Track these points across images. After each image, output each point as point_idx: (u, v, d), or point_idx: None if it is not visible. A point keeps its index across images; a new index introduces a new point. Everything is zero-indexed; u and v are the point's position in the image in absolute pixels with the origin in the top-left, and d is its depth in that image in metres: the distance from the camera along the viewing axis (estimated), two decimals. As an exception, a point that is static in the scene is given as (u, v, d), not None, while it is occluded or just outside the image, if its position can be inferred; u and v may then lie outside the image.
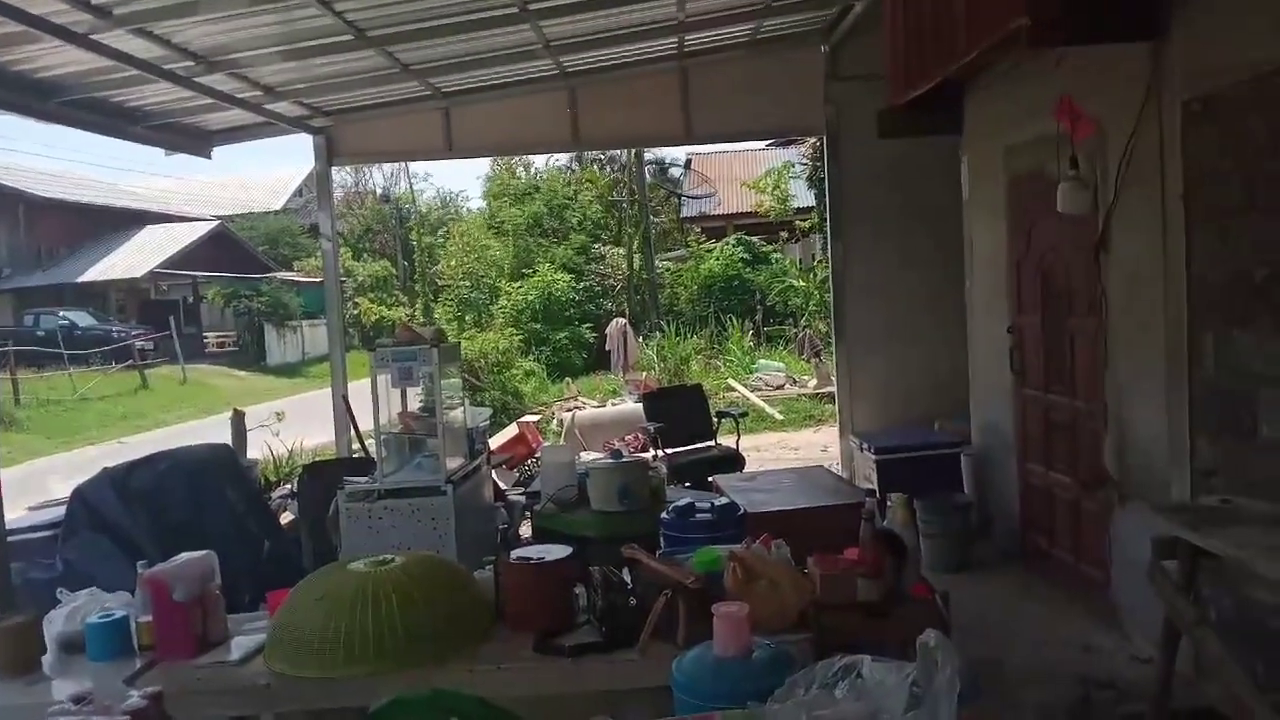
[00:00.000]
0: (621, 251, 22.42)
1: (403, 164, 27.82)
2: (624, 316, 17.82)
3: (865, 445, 6.66)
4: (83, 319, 25.18)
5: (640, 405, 8.69)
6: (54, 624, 2.96)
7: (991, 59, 4.81)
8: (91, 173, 36.44)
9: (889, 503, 3.36)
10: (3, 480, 4.44)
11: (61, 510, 5.07)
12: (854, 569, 2.84)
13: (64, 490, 5.61)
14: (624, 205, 23.51)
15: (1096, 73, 4.49)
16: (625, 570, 3.01)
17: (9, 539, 4.50)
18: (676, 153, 26.70)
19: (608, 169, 25.00)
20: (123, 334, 24.54)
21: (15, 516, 5.25)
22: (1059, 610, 4.91)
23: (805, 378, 14.56)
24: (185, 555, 2.96)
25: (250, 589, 3.76)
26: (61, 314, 24.74)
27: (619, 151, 23.26)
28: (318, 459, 7.95)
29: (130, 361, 22.35)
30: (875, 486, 6.07)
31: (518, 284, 20.81)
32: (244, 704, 2.71)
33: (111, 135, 6.75)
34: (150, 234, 29.25)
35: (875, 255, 7.81)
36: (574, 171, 25.91)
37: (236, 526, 4.94)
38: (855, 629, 2.69)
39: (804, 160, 18.73)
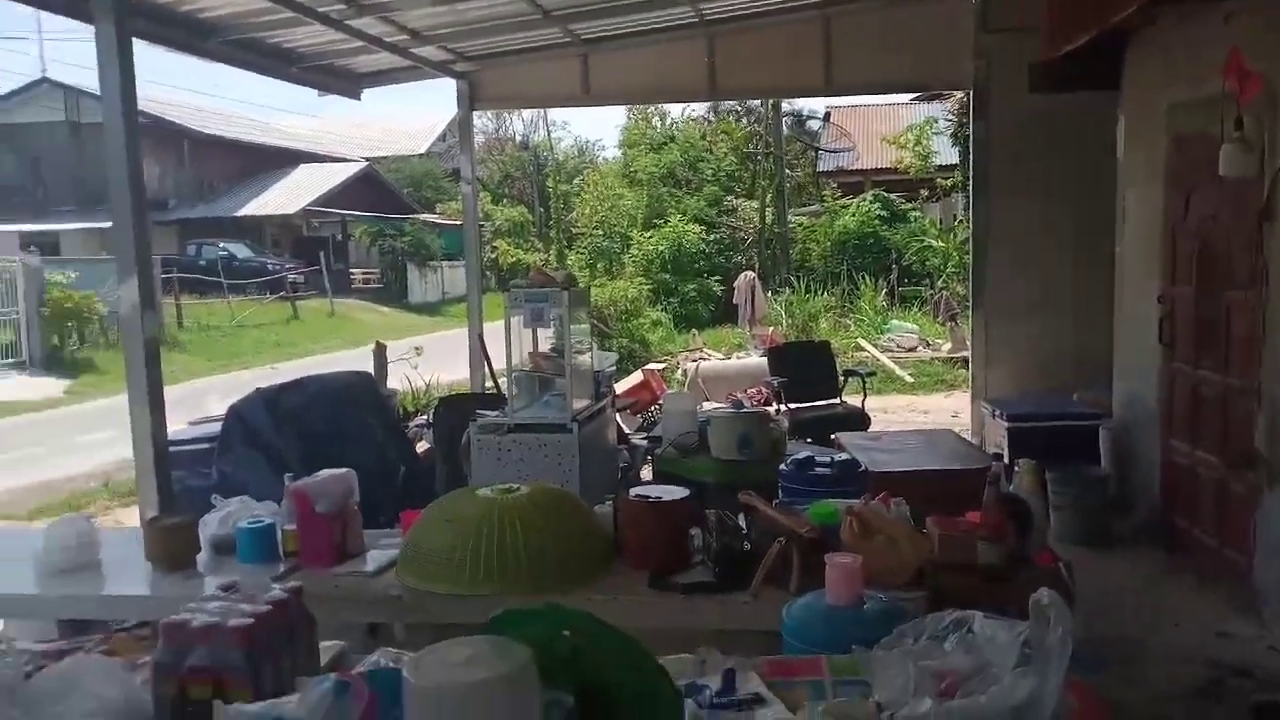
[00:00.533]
0: (754, 204, 22.16)
1: (542, 112, 28.09)
2: (753, 270, 17.68)
3: (997, 412, 6.48)
4: (241, 251, 26.55)
5: (765, 360, 8.66)
6: (208, 527, 3.22)
7: (1155, 12, 4.53)
8: (247, 111, 38.17)
9: (1017, 469, 3.29)
10: (166, 397, 4.77)
11: (218, 426, 5.45)
12: (974, 531, 2.80)
13: (220, 408, 6.01)
14: (759, 158, 23.19)
15: (1267, 30, 4.17)
16: (741, 516, 3.05)
17: (170, 449, 4.85)
18: (815, 105, 26.10)
19: (744, 121, 24.66)
20: (277, 267, 25.79)
21: (176, 430, 5.66)
22: (1196, 593, 4.70)
23: (939, 341, 14.18)
24: (328, 471, 3.14)
25: (387, 511, 3.96)
26: (221, 245, 26.13)
27: (756, 103, 22.89)
28: (453, 393, 8.25)
29: (283, 293, 23.53)
30: (1006, 455, 5.91)
31: (649, 234, 20.88)
32: (377, 612, 2.88)
33: (270, 75, 7.06)
34: (303, 172, 30.53)
35: (1020, 216, 7.50)
36: (710, 123, 25.64)
37: (376, 451, 5.21)
38: (973, 591, 2.66)
39: (949, 116, 18.04)
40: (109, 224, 4.52)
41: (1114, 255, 6.13)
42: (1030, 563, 2.82)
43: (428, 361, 9.56)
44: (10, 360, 16.18)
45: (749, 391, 9.49)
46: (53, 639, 2.87)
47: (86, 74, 26.16)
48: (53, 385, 15.34)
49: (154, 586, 2.99)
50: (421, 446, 6.23)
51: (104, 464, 9.09)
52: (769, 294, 17.13)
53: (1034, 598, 1.46)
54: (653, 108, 25.85)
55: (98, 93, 4.45)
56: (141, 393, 4.35)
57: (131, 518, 6.34)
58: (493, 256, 23.18)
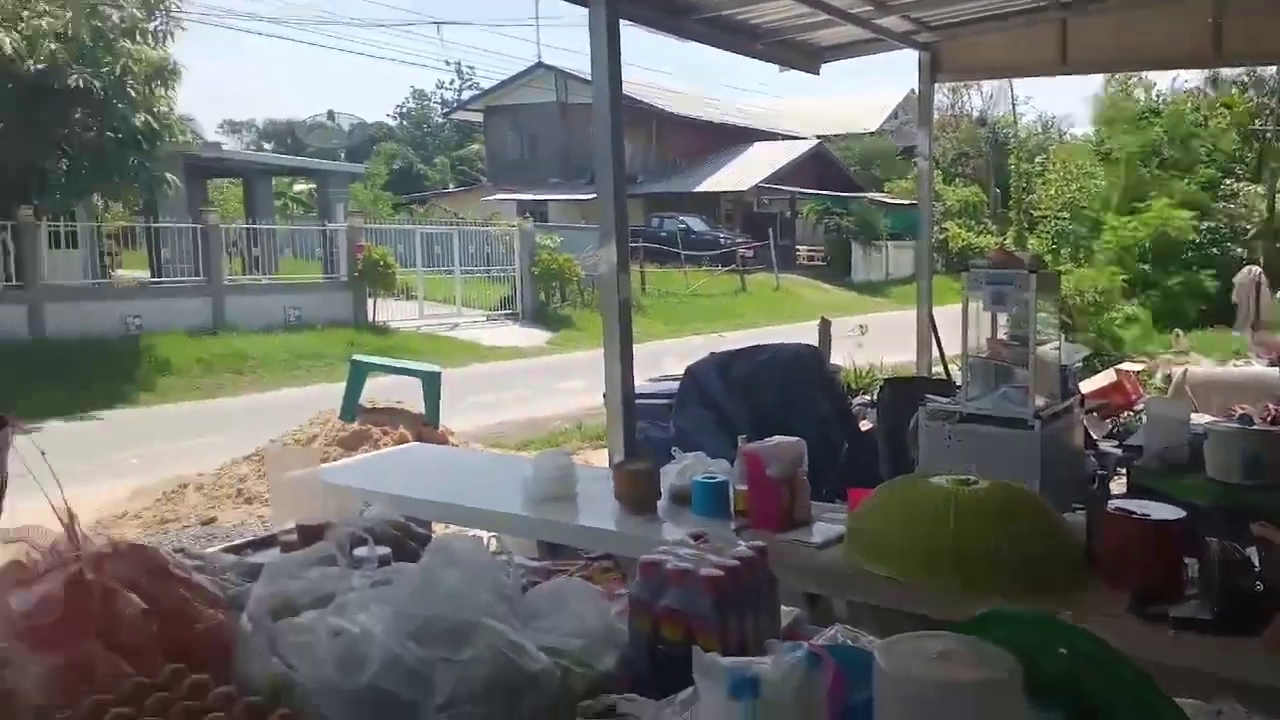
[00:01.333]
0: (1260, 190, 19.11)
1: (1002, 86, 26.53)
2: (1257, 265, 15.20)
3: None
4: (697, 224, 28.32)
5: (1275, 371, 7.37)
6: (668, 476, 3.41)
7: None
8: (708, 91, 40.39)
9: None
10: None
11: (673, 384, 5.82)
12: None
13: (674, 368, 6.42)
14: (1267, 136, 19.90)
15: None
16: (1253, 551, 2.58)
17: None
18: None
19: (1250, 93, 21.25)
20: (728, 240, 27.16)
21: (639, 384, 6.11)
22: None
23: None
24: (779, 437, 3.17)
25: (828, 485, 3.93)
26: (680, 218, 28.06)
27: (1269, 72, 19.62)
28: (898, 374, 8.07)
29: (733, 266, 24.76)
30: None
31: (1126, 219, 18.82)
32: (819, 584, 2.84)
33: (736, 52, 7.27)
34: (757, 150, 31.72)
35: None
36: (1206, 95, 22.44)
37: (820, 425, 5.21)
38: None
39: None
40: (590, 195, 4.95)
41: None
42: None
43: (869, 341, 9.45)
44: (507, 311, 18.95)
45: (1263, 406, 8.12)
46: (533, 557, 3.21)
47: (572, 58, 29.35)
48: (539, 336, 17.67)
49: (619, 524, 3.23)
50: (863, 425, 6.14)
51: (576, 409, 10.22)
52: (1277, 295, 14.63)
53: None
54: (1135, 78, 23.24)
55: (584, 76, 4.85)
56: (615, 347, 4.74)
57: (598, 459, 7.01)
58: (941, 238, 22.39)
